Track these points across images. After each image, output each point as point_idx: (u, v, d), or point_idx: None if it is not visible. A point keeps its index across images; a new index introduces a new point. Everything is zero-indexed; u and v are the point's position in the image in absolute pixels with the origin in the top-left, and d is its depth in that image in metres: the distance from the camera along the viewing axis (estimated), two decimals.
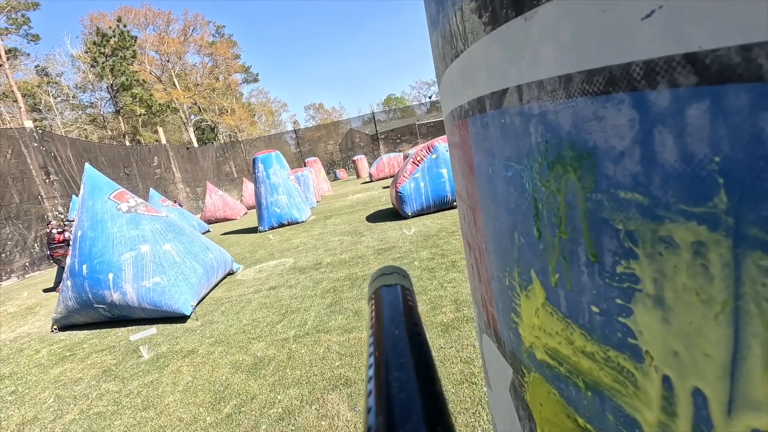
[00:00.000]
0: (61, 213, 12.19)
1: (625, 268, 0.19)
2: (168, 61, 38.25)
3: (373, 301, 0.34)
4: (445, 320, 2.74)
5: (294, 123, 60.09)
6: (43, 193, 12.28)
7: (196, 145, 33.06)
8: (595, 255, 0.21)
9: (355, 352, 2.60)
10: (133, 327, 4.07)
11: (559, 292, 0.24)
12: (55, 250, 7.14)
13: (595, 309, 0.21)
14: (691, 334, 0.17)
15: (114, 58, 32.04)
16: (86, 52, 32.30)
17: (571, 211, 0.21)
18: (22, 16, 28.50)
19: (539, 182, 0.23)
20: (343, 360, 2.53)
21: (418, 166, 6.62)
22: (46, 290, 7.44)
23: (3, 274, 10.49)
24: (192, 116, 39.70)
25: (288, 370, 2.54)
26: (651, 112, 0.16)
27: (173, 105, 36.16)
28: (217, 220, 14.43)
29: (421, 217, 6.65)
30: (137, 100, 32.43)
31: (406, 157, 14.05)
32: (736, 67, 0.14)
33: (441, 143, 6.64)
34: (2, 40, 27.11)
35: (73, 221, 7.33)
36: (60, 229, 7.25)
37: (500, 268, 0.31)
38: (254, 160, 9.26)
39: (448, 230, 5.29)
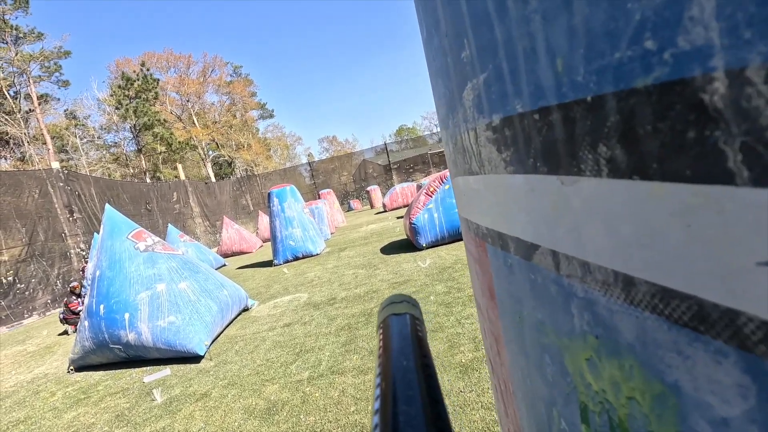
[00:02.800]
0: (83, 250, 12.47)
1: None
2: (188, 101, 39.99)
3: (381, 330, 0.33)
4: (463, 360, 2.64)
5: (308, 156, 61.37)
6: (66, 231, 12.64)
7: (213, 180, 33.94)
8: None
9: (371, 396, 2.50)
10: (148, 367, 4.04)
11: None
12: (69, 314, 7.26)
13: None
14: None
15: (137, 100, 33.64)
16: (111, 95, 34.02)
17: None
18: (55, 64, 30.36)
19: (587, 376, 0.19)
20: (359, 405, 2.43)
21: (431, 197, 6.61)
22: (61, 333, 7.48)
23: (26, 311, 10.68)
24: (210, 152, 41.00)
25: (302, 416, 2.45)
26: None
27: (192, 142, 37.48)
28: (233, 254, 14.55)
29: (436, 248, 6.58)
30: (158, 138, 33.73)
31: (419, 186, 14.11)
32: None
33: None
34: (35, 86, 28.83)
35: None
36: (76, 297, 7.37)
37: None
38: (269, 195, 9.40)
39: (463, 262, 5.20)
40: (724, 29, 0.12)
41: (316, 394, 2.67)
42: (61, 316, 7.32)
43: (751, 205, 0.12)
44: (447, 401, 2.16)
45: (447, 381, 2.42)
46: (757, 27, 0.11)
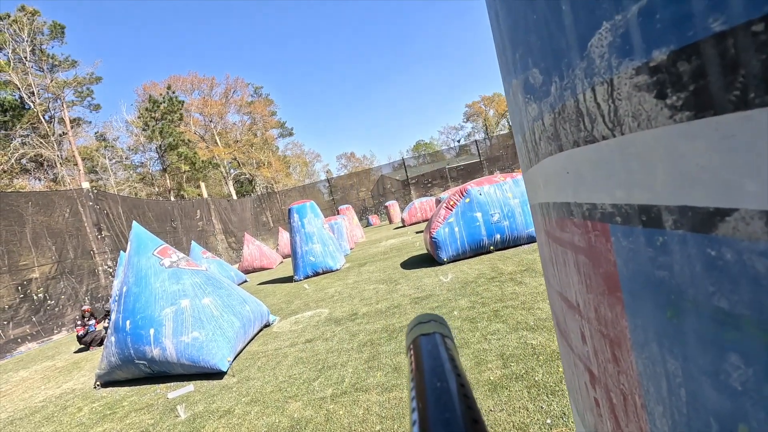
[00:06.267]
0: (110, 267, 12.79)
1: None
2: (211, 121, 41.28)
3: (412, 352, 0.33)
4: (492, 378, 2.54)
5: (327, 172, 62.16)
6: (95, 249, 13.02)
7: (235, 197, 34.65)
8: None
9: (396, 415, 2.43)
10: (172, 383, 4.05)
11: None
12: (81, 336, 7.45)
13: None
14: None
15: (163, 121, 34.88)
16: (139, 118, 35.42)
17: None
18: (87, 89, 31.87)
19: None
20: (384, 424, 2.36)
21: (451, 210, 6.54)
22: (78, 351, 7.62)
23: (55, 327, 10.95)
24: (232, 170, 42.02)
25: None
26: None
27: (215, 161, 38.51)
28: (254, 270, 14.68)
29: (458, 262, 6.47)
30: (182, 158, 34.77)
31: (438, 201, 14.03)
32: None
33: (474, 187, 6.57)
34: (69, 111, 30.27)
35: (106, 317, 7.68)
36: (81, 322, 7.55)
37: None
38: (289, 211, 9.50)
39: (486, 276, 5.09)
40: None
41: (340, 412, 2.61)
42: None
43: None
44: None
45: (476, 400, 2.33)
46: None
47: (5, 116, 25.95)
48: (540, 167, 0.28)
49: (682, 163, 0.17)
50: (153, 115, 34.94)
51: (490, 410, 2.20)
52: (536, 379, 2.38)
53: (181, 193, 35.21)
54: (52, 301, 11.23)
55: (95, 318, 7.74)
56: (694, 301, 0.17)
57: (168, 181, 35.52)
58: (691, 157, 0.17)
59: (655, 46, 0.17)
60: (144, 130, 34.82)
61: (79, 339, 7.41)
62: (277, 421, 2.72)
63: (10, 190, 21.05)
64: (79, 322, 7.51)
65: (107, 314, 7.77)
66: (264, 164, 43.21)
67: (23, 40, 27.01)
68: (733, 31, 0.14)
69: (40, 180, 29.12)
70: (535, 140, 0.27)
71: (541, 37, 0.24)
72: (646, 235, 0.21)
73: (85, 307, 7.77)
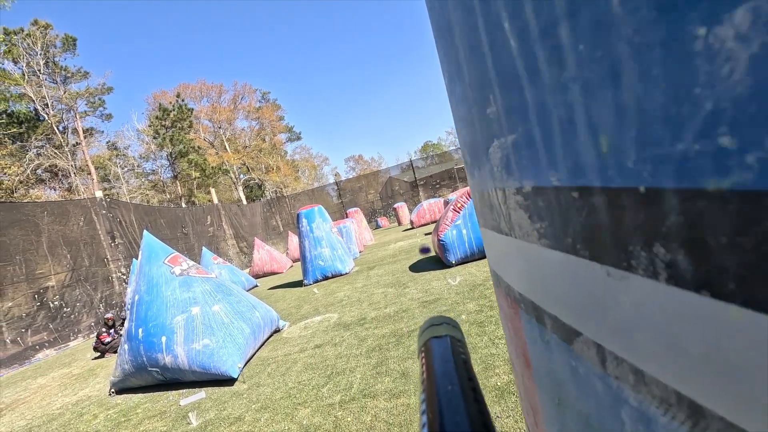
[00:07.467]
0: (124, 275, 13.00)
1: None
2: (220, 128, 41.77)
3: (423, 354, 0.32)
4: (499, 383, 2.53)
5: (335, 175, 62.45)
6: (108, 256, 13.25)
7: (245, 202, 34.97)
8: None
9: (404, 422, 2.43)
10: (184, 390, 4.10)
11: None
12: (99, 343, 7.60)
13: None
14: None
15: (173, 129, 35.40)
16: (149, 126, 35.98)
17: None
18: (99, 99, 32.47)
19: None
20: (392, 430, 2.37)
21: (459, 213, 6.53)
22: (96, 358, 7.75)
23: (71, 334, 11.16)
24: (241, 176, 42.43)
25: None
26: None
27: (224, 167, 38.93)
28: (265, 274, 14.79)
29: (466, 265, 6.46)
30: (193, 164, 35.23)
31: (446, 202, 14.00)
32: None
33: None
34: (81, 121, 30.87)
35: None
36: (107, 329, 7.70)
37: None
38: (298, 216, 9.55)
39: None
40: None
41: (349, 419, 2.63)
42: (94, 344, 7.67)
43: None
44: None
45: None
46: None
47: (21, 128, 26.57)
48: (483, 231, 0.29)
49: (549, 279, 0.18)
50: (163, 123, 35.47)
51: (498, 416, 2.20)
52: None
53: (192, 199, 35.66)
54: (68, 309, 11.45)
55: (116, 325, 7.92)
56: (569, 399, 0.19)
57: (179, 187, 36.00)
58: (552, 277, 0.18)
59: (523, 177, 0.19)
60: (155, 138, 35.36)
61: (100, 345, 7.55)
62: (286, 428, 2.75)
63: (26, 201, 21.54)
64: (104, 330, 7.66)
65: (123, 322, 7.93)
66: (273, 169, 43.57)
67: (37, 53, 27.66)
68: (557, 189, 0.15)
69: (55, 190, 29.74)
70: (477, 205, 0.28)
71: (468, 130, 0.25)
72: (539, 329, 0.22)
73: (109, 315, 7.91)
